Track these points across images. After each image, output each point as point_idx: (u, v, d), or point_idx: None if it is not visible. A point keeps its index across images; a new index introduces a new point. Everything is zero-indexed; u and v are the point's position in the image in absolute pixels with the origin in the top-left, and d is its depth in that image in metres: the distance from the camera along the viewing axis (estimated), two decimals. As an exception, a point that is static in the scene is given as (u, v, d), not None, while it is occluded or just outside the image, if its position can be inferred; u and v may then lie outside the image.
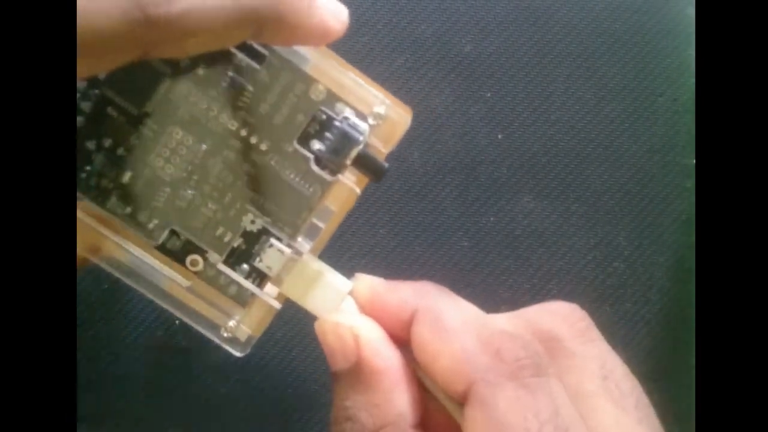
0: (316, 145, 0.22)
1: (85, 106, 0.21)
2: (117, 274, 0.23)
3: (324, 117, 0.22)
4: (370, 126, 0.22)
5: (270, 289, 0.23)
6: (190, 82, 0.22)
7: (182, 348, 0.29)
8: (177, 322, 0.29)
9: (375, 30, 0.29)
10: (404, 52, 0.29)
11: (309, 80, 0.22)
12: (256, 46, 0.21)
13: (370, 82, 0.22)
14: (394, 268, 0.29)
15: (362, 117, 0.22)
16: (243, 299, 0.23)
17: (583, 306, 0.21)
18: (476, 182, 0.29)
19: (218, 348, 0.29)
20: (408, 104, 0.29)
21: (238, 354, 0.23)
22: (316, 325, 0.22)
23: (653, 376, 0.20)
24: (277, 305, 0.23)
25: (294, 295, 0.22)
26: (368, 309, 0.22)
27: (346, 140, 0.22)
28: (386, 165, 0.22)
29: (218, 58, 0.21)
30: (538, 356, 0.18)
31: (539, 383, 0.18)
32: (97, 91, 0.21)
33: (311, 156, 0.22)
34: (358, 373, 0.20)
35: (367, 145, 0.22)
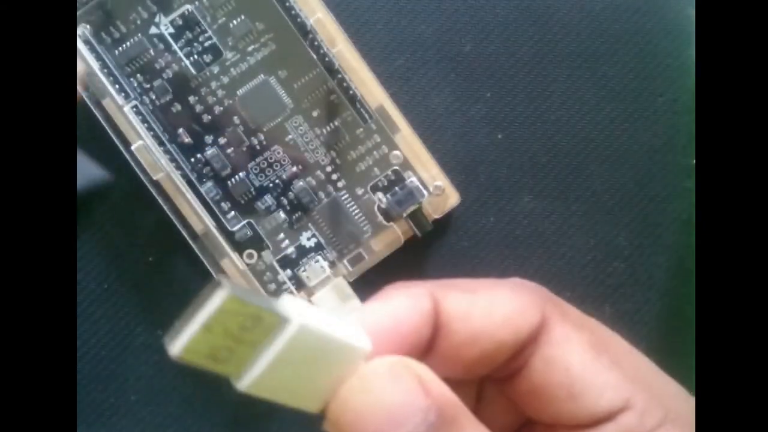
0: (380, 195, 0.27)
1: (216, 109, 0.27)
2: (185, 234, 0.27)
3: (394, 177, 0.28)
4: (429, 194, 0.27)
5: (303, 296, 0.27)
6: (303, 117, 0.27)
7: (182, 348, 0.29)
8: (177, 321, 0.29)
9: (375, 30, 0.29)
10: (404, 52, 0.29)
11: (393, 146, 0.27)
12: (363, 108, 0.27)
13: (435, 163, 0.28)
14: (393, 269, 0.29)
15: (424, 186, 0.27)
16: (278, 296, 0.24)
17: (583, 306, 0.21)
18: (476, 182, 0.29)
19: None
20: (408, 104, 0.29)
21: None
22: (359, 379, 0.16)
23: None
24: None
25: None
26: (380, 332, 0.17)
27: (410, 196, 0.27)
28: (432, 226, 0.27)
29: (332, 108, 0.27)
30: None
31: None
32: (230, 102, 0.27)
33: (377, 202, 0.27)
34: (442, 422, 0.15)
35: (421, 206, 0.27)
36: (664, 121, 0.30)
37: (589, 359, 0.18)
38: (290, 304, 0.15)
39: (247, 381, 0.15)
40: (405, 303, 0.18)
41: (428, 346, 0.18)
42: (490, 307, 0.18)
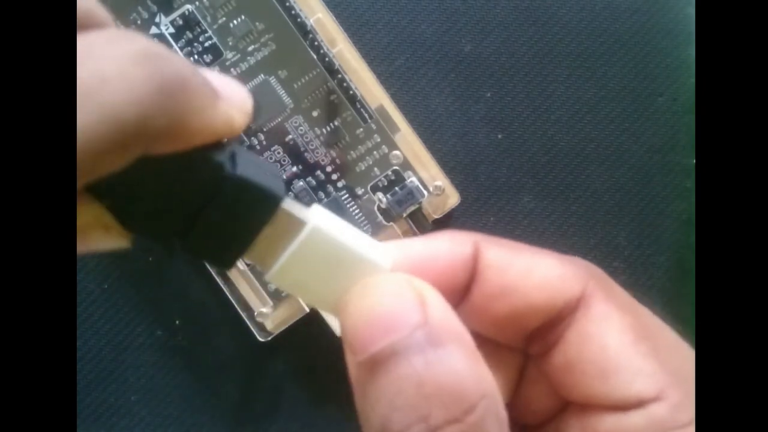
0: (380, 195, 0.27)
1: None
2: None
3: (394, 177, 0.28)
4: (429, 194, 0.28)
5: None
6: (304, 117, 0.27)
7: (182, 348, 0.29)
8: (177, 321, 0.29)
9: (375, 30, 0.29)
10: (404, 52, 0.29)
11: (393, 146, 0.27)
12: (363, 108, 0.27)
13: (435, 163, 0.28)
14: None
15: (424, 186, 0.28)
16: (278, 296, 0.27)
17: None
18: (476, 182, 0.29)
19: (218, 348, 0.29)
20: (408, 104, 0.29)
21: (260, 339, 0.27)
22: (364, 285, 0.16)
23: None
24: (306, 308, 0.27)
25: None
26: (410, 266, 0.17)
27: (410, 196, 0.27)
28: (432, 226, 0.27)
29: (332, 108, 0.27)
30: None
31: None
32: None
33: (377, 202, 0.27)
34: (429, 341, 0.15)
35: (421, 206, 0.27)
36: (664, 121, 0.30)
37: (627, 342, 0.17)
38: (316, 212, 0.16)
39: (271, 272, 0.16)
40: (446, 244, 0.18)
41: (463, 294, 0.18)
42: (528, 267, 0.18)
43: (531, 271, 0.18)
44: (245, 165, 0.15)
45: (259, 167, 0.16)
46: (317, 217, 0.16)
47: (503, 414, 0.16)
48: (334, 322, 0.27)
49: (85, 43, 0.13)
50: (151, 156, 0.14)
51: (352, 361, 0.16)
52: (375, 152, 0.28)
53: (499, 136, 0.30)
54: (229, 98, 0.15)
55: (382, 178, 0.28)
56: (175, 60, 0.13)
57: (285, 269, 0.16)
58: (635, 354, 0.17)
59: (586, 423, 0.18)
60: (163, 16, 0.27)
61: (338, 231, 0.16)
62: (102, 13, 0.14)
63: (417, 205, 0.28)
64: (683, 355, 0.18)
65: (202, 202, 0.15)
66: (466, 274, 0.18)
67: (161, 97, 0.13)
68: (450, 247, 0.18)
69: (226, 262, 0.16)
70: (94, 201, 0.15)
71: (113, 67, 0.12)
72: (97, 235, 0.15)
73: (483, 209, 0.29)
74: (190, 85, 0.14)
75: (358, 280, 0.16)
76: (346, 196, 0.28)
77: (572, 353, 0.18)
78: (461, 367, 0.15)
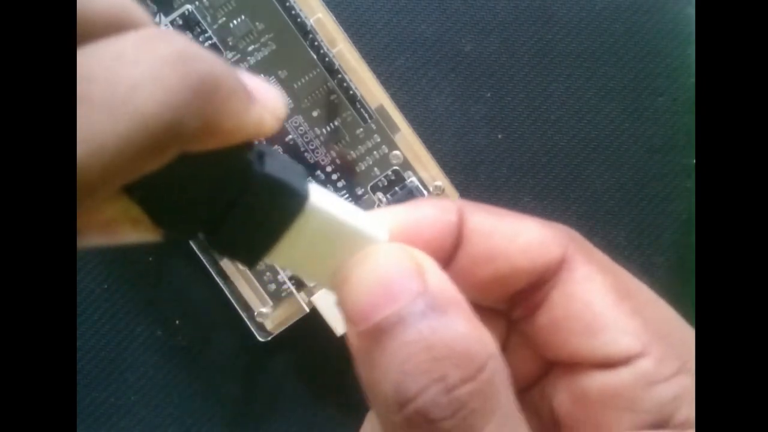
0: (380, 196, 0.28)
1: None
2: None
3: (394, 177, 0.28)
4: (429, 194, 0.28)
5: (302, 296, 0.28)
6: (304, 117, 0.27)
7: (182, 348, 0.29)
8: (177, 321, 0.29)
9: (375, 30, 0.29)
10: (404, 52, 0.29)
11: (393, 146, 0.28)
12: (363, 108, 0.27)
13: (435, 164, 0.28)
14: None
15: (424, 186, 0.28)
16: (278, 296, 0.28)
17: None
18: (476, 182, 0.29)
19: (218, 348, 0.29)
20: (408, 104, 0.29)
21: (260, 338, 0.28)
22: (362, 256, 0.16)
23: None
24: (306, 308, 0.27)
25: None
26: (401, 231, 0.18)
27: (410, 196, 0.27)
28: None
29: (332, 108, 0.27)
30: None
31: None
32: None
33: (377, 202, 0.28)
34: (431, 309, 0.16)
35: None
36: (664, 121, 0.30)
37: (611, 301, 0.18)
38: (312, 189, 0.16)
39: (271, 251, 0.16)
40: (432, 211, 0.18)
41: (448, 260, 0.18)
42: (512, 231, 0.18)
43: (516, 235, 0.18)
44: (273, 164, 0.15)
45: (286, 167, 0.16)
46: (313, 194, 0.16)
47: (507, 371, 0.16)
48: (334, 322, 0.27)
49: (120, 47, 0.13)
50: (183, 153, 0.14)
51: (353, 332, 0.16)
52: (375, 152, 0.28)
53: (499, 136, 0.30)
54: (262, 100, 0.15)
55: (382, 178, 0.28)
56: (210, 60, 0.14)
57: (284, 247, 0.16)
58: (619, 312, 0.18)
59: (572, 382, 0.18)
60: (163, 16, 0.27)
61: (334, 207, 0.16)
62: (138, 12, 0.14)
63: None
64: (662, 312, 0.19)
65: (230, 198, 0.15)
66: (452, 239, 0.18)
67: (195, 99, 0.13)
68: (435, 213, 0.18)
69: (252, 259, 0.16)
70: (122, 195, 0.15)
71: (147, 71, 0.12)
72: (125, 229, 0.15)
73: (483, 209, 0.29)
74: (225, 86, 0.14)
75: (356, 252, 0.16)
76: (346, 196, 0.28)
77: (557, 313, 0.18)
78: (466, 330, 0.16)
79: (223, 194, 0.15)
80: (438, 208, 0.18)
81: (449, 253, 0.18)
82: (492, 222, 0.18)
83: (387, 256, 0.16)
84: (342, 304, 0.16)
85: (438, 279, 0.16)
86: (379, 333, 0.15)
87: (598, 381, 0.18)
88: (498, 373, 0.16)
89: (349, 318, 0.16)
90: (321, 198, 0.16)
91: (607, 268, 0.19)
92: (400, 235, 0.17)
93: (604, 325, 0.18)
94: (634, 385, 0.17)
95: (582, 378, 0.18)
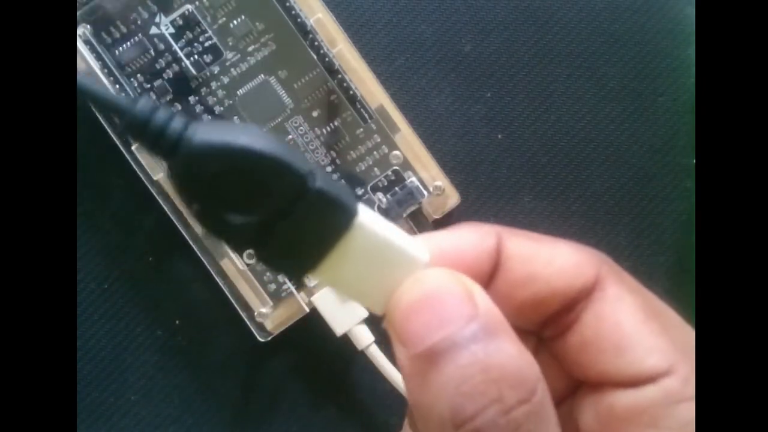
0: (380, 196, 0.28)
1: (216, 109, 0.27)
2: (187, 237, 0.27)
3: (394, 177, 0.28)
4: (429, 194, 0.28)
5: (302, 296, 0.28)
6: (304, 117, 0.27)
7: (182, 348, 0.29)
8: (177, 321, 0.29)
9: (375, 30, 0.29)
10: (404, 52, 0.29)
11: (393, 146, 0.28)
12: (363, 108, 0.27)
13: (435, 164, 0.28)
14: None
15: (424, 186, 0.28)
16: (278, 296, 0.28)
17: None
18: (476, 182, 0.29)
19: (218, 348, 0.29)
20: (408, 104, 0.29)
21: (260, 338, 0.27)
22: (412, 280, 0.17)
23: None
24: (306, 308, 0.27)
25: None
26: (442, 260, 0.18)
27: (410, 196, 0.27)
28: (432, 227, 0.27)
29: (332, 108, 0.27)
30: None
31: None
32: (230, 102, 0.27)
33: (377, 202, 0.28)
34: (483, 333, 0.16)
35: (421, 206, 0.28)
36: (664, 121, 0.30)
37: (640, 321, 0.18)
38: (360, 209, 0.17)
39: (317, 268, 0.17)
40: (471, 236, 0.19)
41: (487, 283, 0.19)
42: (549, 255, 0.19)
43: (552, 259, 0.19)
44: (324, 180, 0.16)
45: (336, 184, 0.16)
46: (361, 212, 0.16)
47: (551, 395, 0.17)
48: (334, 322, 0.27)
49: None
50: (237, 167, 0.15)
51: (404, 355, 0.16)
52: (375, 152, 0.28)
53: (499, 136, 0.30)
54: None
55: (382, 178, 0.28)
56: None
57: (331, 263, 0.16)
58: (648, 331, 0.18)
59: (600, 401, 0.19)
60: (163, 16, 0.27)
61: (380, 226, 0.17)
62: None
63: (417, 205, 0.28)
64: (687, 333, 0.19)
65: (283, 211, 0.16)
66: (491, 264, 0.19)
67: None
68: (475, 238, 0.19)
69: (300, 272, 0.17)
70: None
71: None
72: None
73: (483, 209, 0.29)
74: None
75: (399, 274, 0.17)
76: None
77: (588, 333, 0.19)
78: (516, 353, 0.16)
79: (276, 205, 0.16)
80: (477, 232, 0.19)
81: (488, 277, 0.19)
82: (529, 247, 0.19)
83: (437, 280, 0.17)
84: (393, 327, 0.17)
85: (487, 303, 0.17)
86: (433, 356, 0.16)
87: (624, 399, 0.18)
88: (547, 395, 0.16)
89: (401, 341, 0.16)
90: (368, 216, 0.17)
91: (635, 289, 0.19)
92: (441, 260, 0.18)
93: (632, 344, 0.18)
94: (660, 403, 0.17)
95: (609, 396, 0.18)
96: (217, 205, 0.15)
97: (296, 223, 0.16)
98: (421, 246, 0.18)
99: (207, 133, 0.15)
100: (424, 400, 0.16)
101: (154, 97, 0.27)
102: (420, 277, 0.17)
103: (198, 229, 0.27)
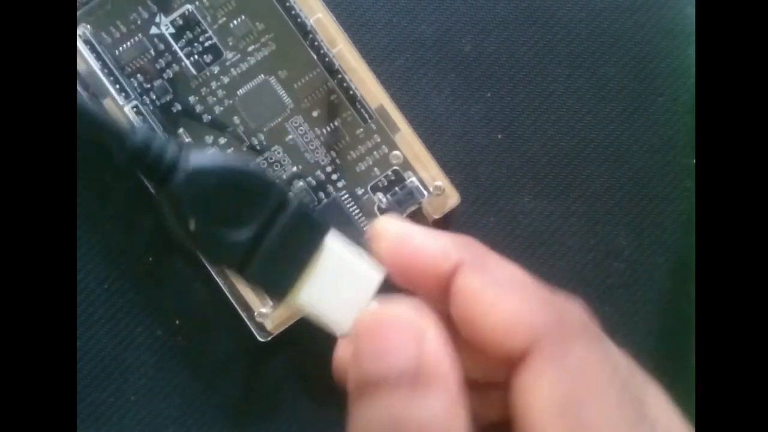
0: (380, 196, 0.28)
1: (216, 109, 0.27)
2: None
3: (394, 177, 0.28)
4: (429, 194, 0.28)
5: None
6: (304, 117, 0.27)
7: (182, 348, 0.29)
8: (177, 321, 0.29)
9: (375, 30, 0.29)
10: (404, 52, 0.29)
11: (393, 146, 0.28)
12: (363, 108, 0.27)
13: (435, 164, 0.28)
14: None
15: (424, 186, 0.28)
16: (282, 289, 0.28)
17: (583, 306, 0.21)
18: (476, 182, 0.29)
19: (218, 348, 0.29)
20: (408, 104, 0.29)
21: (260, 338, 0.28)
22: (367, 314, 0.17)
23: (653, 377, 0.20)
24: None
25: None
26: (397, 255, 0.19)
27: (410, 196, 0.28)
28: (432, 226, 0.26)
29: (332, 108, 0.27)
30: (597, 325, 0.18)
31: (609, 343, 0.17)
32: (230, 102, 0.27)
33: (377, 202, 0.28)
34: (416, 379, 0.16)
35: (421, 206, 0.28)
36: (664, 121, 0.30)
37: (551, 414, 0.17)
38: (329, 236, 0.19)
39: (299, 294, 0.19)
40: (439, 246, 0.19)
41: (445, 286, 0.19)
42: (490, 303, 0.18)
43: (491, 309, 0.18)
44: (302, 202, 0.18)
45: (309, 207, 0.18)
46: (330, 239, 0.18)
47: None
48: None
49: None
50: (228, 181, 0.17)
51: (350, 379, 0.17)
52: (375, 152, 0.28)
53: (499, 136, 0.30)
54: None
55: (382, 178, 0.28)
56: None
57: (305, 281, 0.18)
58: (553, 427, 0.17)
59: None
60: (163, 16, 0.27)
61: (346, 250, 0.18)
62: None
63: (417, 205, 0.28)
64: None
65: (266, 223, 0.18)
66: (445, 286, 0.18)
67: None
68: (440, 252, 0.18)
69: (282, 291, 0.18)
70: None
71: None
72: None
73: (483, 209, 0.29)
74: None
75: (363, 296, 0.18)
76: (346, 196, 0.28)
77: (513, 405, 0.17)
78: (442, 414, 0.16)
79: (262, 218, 0.18)
80: (445, 245, 0.18)
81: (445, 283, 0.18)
82: (476, 287, 0.18)
83: (400, 313, 0.17)
84: (353, 342, 0.17)
85: (435, 351, 0.16)
86: (364, 388, 0.16)
87: None
88: None
89: (353, 356, 0.17)
90: (334, 235, 0.18)
91: (573, 370, 0.17)
92: (403, 257, 0.18)
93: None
94: None
95: None
96: (212, 221, 0.17)
97: (278, 236, 0.18)
98: (379, 266, 0.19)
99: (199, 156, 0.17)
100: (351, 420, 0.17)
101: (153, 97, 0.27)
102: (390, 305, 0.17)
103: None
